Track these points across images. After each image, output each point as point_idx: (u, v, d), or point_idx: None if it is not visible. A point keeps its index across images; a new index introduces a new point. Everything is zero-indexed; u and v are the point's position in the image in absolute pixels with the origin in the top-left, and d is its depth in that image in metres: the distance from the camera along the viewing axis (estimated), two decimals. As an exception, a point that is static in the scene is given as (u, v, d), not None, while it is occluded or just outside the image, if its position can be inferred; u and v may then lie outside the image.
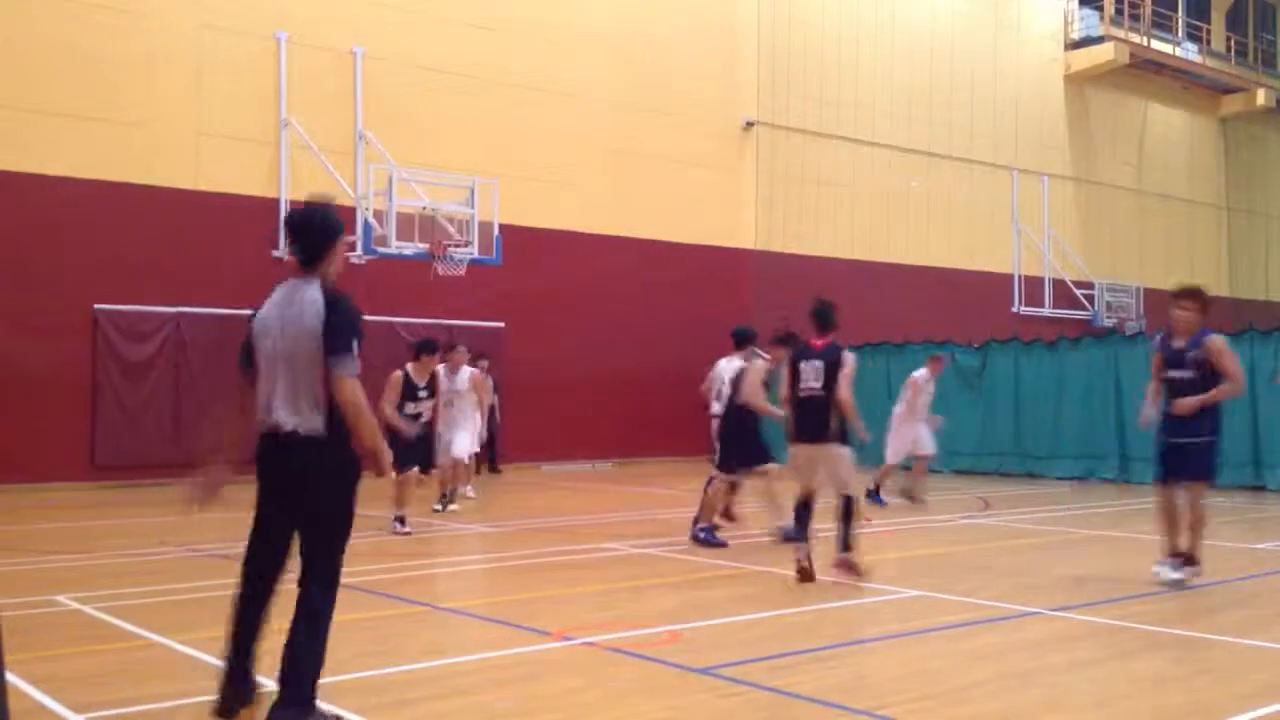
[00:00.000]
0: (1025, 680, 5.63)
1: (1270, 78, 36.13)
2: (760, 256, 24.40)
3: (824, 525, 8.86)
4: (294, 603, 4.62)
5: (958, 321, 24.12)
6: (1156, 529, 8.41)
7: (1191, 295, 8.09)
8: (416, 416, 11.46)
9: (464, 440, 13.62)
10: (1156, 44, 32.77)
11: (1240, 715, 5.00)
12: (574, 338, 21.49)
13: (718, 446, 10.96)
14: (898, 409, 14.63)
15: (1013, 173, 29.60)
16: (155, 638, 6.50)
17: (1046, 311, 29.41)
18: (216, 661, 4.87)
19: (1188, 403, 7.88)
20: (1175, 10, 33.81)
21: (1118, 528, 12.44)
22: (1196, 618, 7.25)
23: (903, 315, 24.17)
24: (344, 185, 18.23)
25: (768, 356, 10.59)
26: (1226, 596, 7.92)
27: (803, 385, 8.56)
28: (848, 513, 8.42)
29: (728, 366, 11.17)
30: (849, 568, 8.34)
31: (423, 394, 11.53)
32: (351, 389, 4.53)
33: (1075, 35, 31.34)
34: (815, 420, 8.47)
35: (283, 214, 18.42)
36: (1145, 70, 32.57)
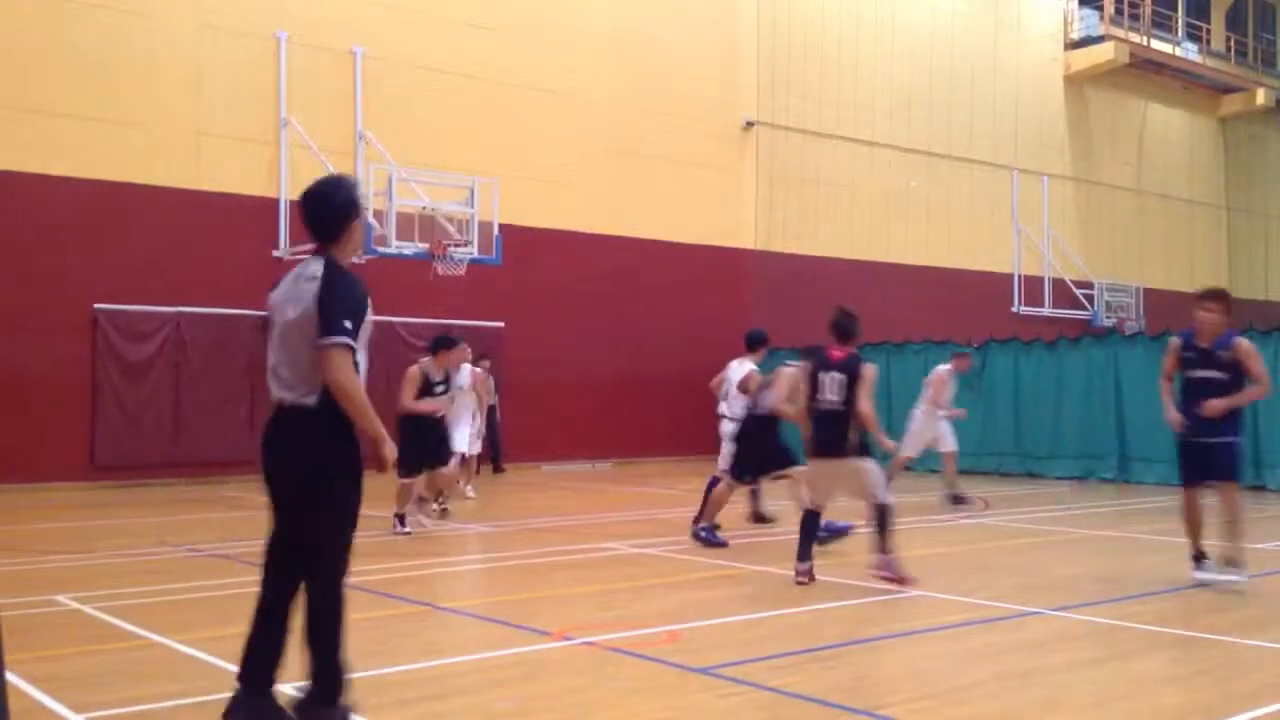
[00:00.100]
0: (1024, 680, 5.63)
1: (1270, 77, 36.15)
2: (760, 256, 24.40)
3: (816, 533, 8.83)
4: None
5: (957, 321, 24.12)
6: (1183, 530, 8.38)
7: (1217, 297, 8.13)
8: (431, 413, 11.60)
9: (462, 436, 13.76)
10: (1156, 44, 32.79)
11: (1240, 715, 5.00)
12: (574, 338, 21.49)
13: (731, 448, 10.97)
14: (920, 405, 14.55)
15: (1012, 173, 29.61)
16: (155, 638, 6.49)
17: (1046, 311, 29.42)
18: (217, 661, 4.85)
19: (1218, 404, 7.89)
20: (1175, 10, 33.82)
21: (1117, 528, 12.45)
22: (1196, 618, 7.25)
23: (902, 315, 24.16)
24: (344, 185, 18.20)
25: (798, 365, 10.57)
26: (1226, 596, 7.92)
27: (822, 398, 8.34)
28: (883, 521, 8.15)
29: (738, 368, 11.23)
30: (891, 573, 8.10)
31: (439, 389, 11.63)
32: (338, 368, 4.29)
33: (1075, 35, 31.36)
34: (834, 434, 8.26)
35: (283, 214, 18.48)
36: (1145, 70, 32.59)
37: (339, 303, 4.36)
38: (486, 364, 16.51)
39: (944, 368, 14.63)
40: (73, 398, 16.71)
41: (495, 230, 18.04)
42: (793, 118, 25.24)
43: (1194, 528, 8.29)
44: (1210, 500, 8.14)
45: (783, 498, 11.65)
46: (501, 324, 20.46)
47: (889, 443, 8.57)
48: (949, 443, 14.38)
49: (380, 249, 17.31)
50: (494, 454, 19.38)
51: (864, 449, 8.33)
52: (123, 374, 17.15)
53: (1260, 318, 22.22)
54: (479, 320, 19.97)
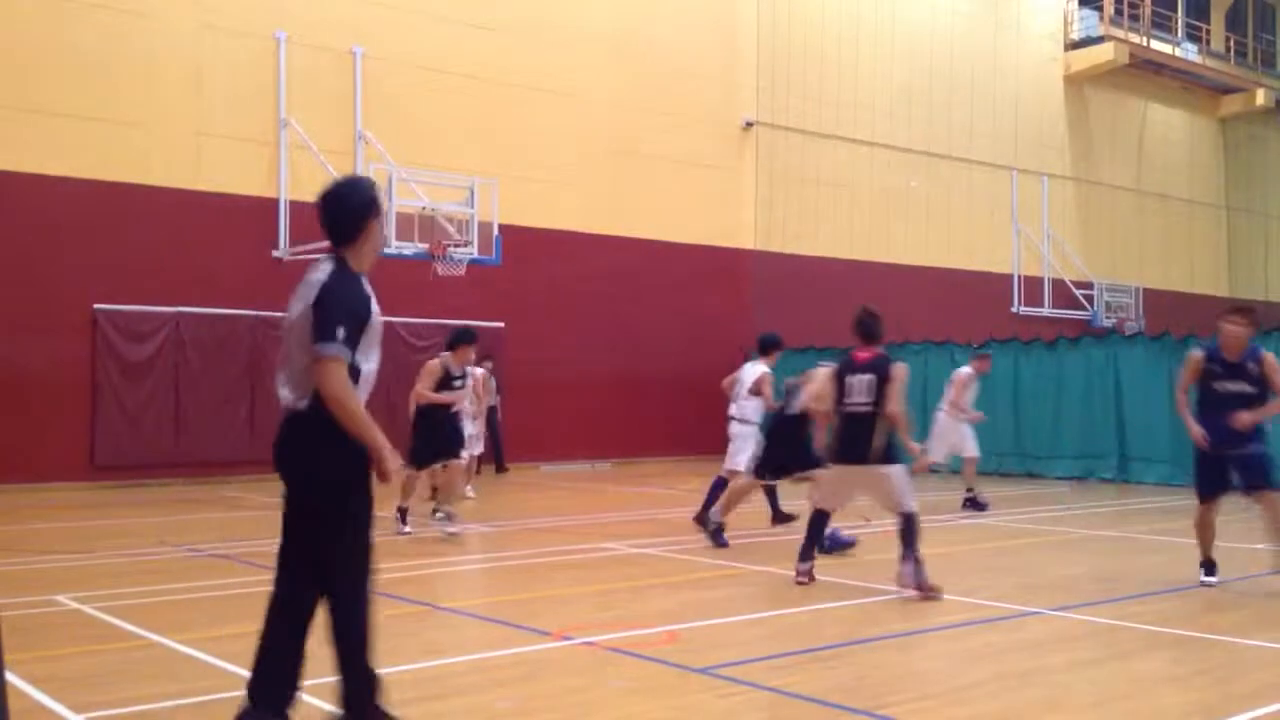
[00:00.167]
0: (1024, 680, 5.63)
1: (1270, 78, 36.14)
2: (760, 256, 24.40)
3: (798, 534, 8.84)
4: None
5: (957, 321, 24.11)
6: (1196, 539, 8.40)
7: (1243, 312, 8.29)
8: (447, 405, 11.67)
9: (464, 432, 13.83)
10: (1156, 44, 32.78)
11: (1240, 715, 5.00)
12: (574, 338, 21.49)
13: (740, 445, 11.02)
14: (942, 408, 14.37)
15: (1012, 173, 29.61)
16: (155, 638, 6.49)
17: (1046, 311, 29.41)
18: (216, 661, 4.83)
19: (1249, 417, 7.98)
20: (1175, 10, 33.81)
21: (1117, 528, 12.46)
22: (1196, 618, 7.27)
23: (902, 315, 24.08)
24: (344, 185, 18.21)
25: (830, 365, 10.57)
26: (1226, 596, 7.93)
27: (849, 400, 8.09)
28: (910, 531, 7.91)
29: (751, 370, 11.27)
30: (918, 583, 7.85)
31: (457, 383, 11.69)
32: (329, 378, 4.14)
33: (1075, 35, 31.35)
34: (859, 440, 8.01)
35: (283, 214, 18.48)
36: (1145, 70, 32.58)
37: (335, 308, 4.23)
38: (489, 365, 16.50)
39: (965, 370, 14.38)
40: (72, 398, 16.71)
41: (495, 230, 18.03)
42: (792, 118, 25.23)
43: (1207, 538, 8.38)
44: (1221, 512, 8.21)
45: (804, 497, 11.66)
46: (501, 324, 20.46)
47: (915, 446, 8.46)
48: (972, 448, 14.18)
49: (380, 249, 17.31)
50: (497, 454, 19.38)
51: (890, 452, 8.06)
52: (122, 374, 17.14)
53: (1260, 318, 22.23)
54: (479, 320, 19.88)
